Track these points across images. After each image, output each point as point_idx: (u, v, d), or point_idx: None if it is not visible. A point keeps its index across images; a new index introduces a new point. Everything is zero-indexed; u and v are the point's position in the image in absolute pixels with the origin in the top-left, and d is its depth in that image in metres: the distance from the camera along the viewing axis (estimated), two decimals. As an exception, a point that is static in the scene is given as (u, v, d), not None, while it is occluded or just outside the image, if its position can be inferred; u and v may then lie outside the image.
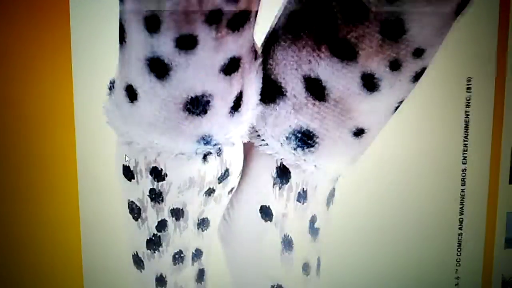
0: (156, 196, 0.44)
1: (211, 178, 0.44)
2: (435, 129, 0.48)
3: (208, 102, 0.40)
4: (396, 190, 0.48)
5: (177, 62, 0.38)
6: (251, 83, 0.42)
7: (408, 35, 0.39)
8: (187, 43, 0.37)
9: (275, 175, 0.45)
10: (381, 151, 0.47)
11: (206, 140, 0.42)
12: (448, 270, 0.50)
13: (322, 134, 0.43)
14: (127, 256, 0.47)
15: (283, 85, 0.42)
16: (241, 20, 0.38)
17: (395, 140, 0.47)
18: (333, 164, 0.45)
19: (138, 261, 0.46)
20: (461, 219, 0.49)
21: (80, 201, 0.47)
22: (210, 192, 0.45)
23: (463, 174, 0.49)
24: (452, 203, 0.49)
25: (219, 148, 0.43)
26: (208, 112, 0.41)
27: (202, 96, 0.40)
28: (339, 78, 0.41)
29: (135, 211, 0.45)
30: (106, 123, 0.44)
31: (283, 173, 0.45)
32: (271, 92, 0.43)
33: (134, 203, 0.45)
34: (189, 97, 0.40)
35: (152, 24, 0.37)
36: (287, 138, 0.44)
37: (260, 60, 0.42)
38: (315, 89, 0.42)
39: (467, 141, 0.48)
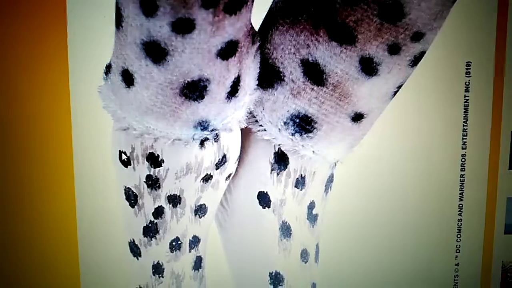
0: (152, 182, 0.43)
1: (209, 164, 0.43)
2: (434, 114, 0.47)
3: (205, 87, 0.40)
4: (395, 176, 0.48)
5: (174, 46, 0.37)
6: (248, 67, 0.41)
7: (407, 19, 0.38)
8: (183, 27, 0.37)
9: (273, 161, 0.45)
10: (381, 135, 0.47)
11: (203, 125, 0.41)
12: (448, 256, 0.50)
13: (321, 119, 0.43)
14: (123, 244, 0.46)
15: (281, 69, 0.42)
16: (238, 4, 0.37)
17: (394, 125, 0.47)
18: (331, 149, 0.44)
19: (134, 249, 0.46)
20: (460, 205, 0.49)
21: (76, 190, 0.46)
22: (207, 178, 0.44)
23: (463, 160, 0.48)
24: (451, 189, 0.49)
25: (216, 133, 0.43)
26: (205, 97, 0.40)
27: (199, 80, 0.39)
28: (337, 62, 0.41)
29: (131, 198, 0.44)
30: (103, 109, 0.43)
31: (281, 159, 0.45)
32: (269, 77, 0.43)
33: (130, 189, 0.44)
34: (186, 81, 0.39)
35: (149, 7, 0.37)
36: (285, 123, 0.43)
37: (257, 44, 0.42)
38: (314, 73, 0.41)
39: (466, 126, 0.47)
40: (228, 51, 0.39)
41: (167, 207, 0.45)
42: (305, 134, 0.43)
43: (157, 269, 0.46)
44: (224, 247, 0.48)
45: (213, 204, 0.46)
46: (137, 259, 0.46)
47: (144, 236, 0.45)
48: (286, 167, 0.45)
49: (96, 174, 0.47)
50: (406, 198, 0.49)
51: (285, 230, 0.46)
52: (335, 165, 0.47)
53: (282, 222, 0.46)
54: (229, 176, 0.46)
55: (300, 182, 0.45)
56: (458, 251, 0.50)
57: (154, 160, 0.43)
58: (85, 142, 0.47)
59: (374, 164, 0.48)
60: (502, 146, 0.48)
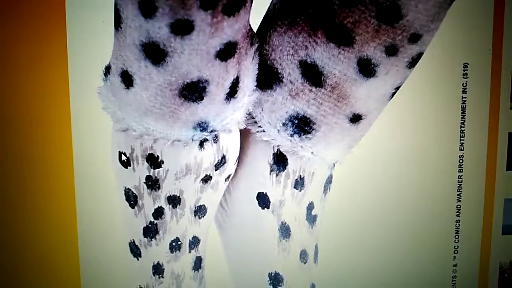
0: (152, 183, 0.44)
1: (208, 165, 0.44)
2: (432, 115, 0.47)
3: (204, 88, 0.40)
4: (393, 177, 0.48)
5: (173, 47, 0.38)
6: (247, 68, 0.42)
7: (404, 20, 0.39)
8: (182, 28, 0.37)
9: (272, 162, 0.45)
10: (378, 136, 0.47)
11: (202, 126, 0.42)
12: (445, 256, 0.50)
13: (319, 121, 0.43)
14: (123, 244, 0.46)
15: (279, 70, 0.42)
16: (236, 5, 0.38)
17: (391, 127, 0.47)
18: (330, 150, 0.45)
19: (135, 249, 0.46)
20: (458, 206, 0.49)
21: (76, 189, 0.46)
22: (207, 179, 0.44)
23: (461, 161, 0.49)
24: (449, 190, 0.49)
25: (215, 134, 0.43)
26: (204, 98, 0.40)
27: (198, 82, 0.39)
28: (335, 63, 0.41)
29: (131, 198, 0.45)
30: (102, 110, 0.43)
31: (280, 160, 0.45)
32: (268, 78, 0.43)
33: (130, 190, 0.45)
34: (185, 83, 0.39)
35: (148, 9, 0.37)
36: (283, 124, 0.43)
37: (256, 45, 0.42)
38: (312, 74, 0.42)
39: (464, 127, 0.48)
40: (227, 52, 0.39)
41: (167, 208, 0.45)
42: (303, 135, 0.43)
43: (157, 269, 0.46)
44: (224, 247, 0.48)
45: (212, 205, 0.47)
46: (137, 259, 0.46)
47: (144, 237, 0.46)
48: (285, 168, 0.45)
49: (96, 175, 0.47)
50: (404, 199, 0.49)
51: (284, 230, 0.46)
52: (334, 166, 0.47)
53: (281, 223, 0.46)
54: (228, 177, 0.46)
55: (299, 183, 0.45)
56: (456, 251, 0.50)
57: (153, 161, 0.43)
58: (85, 144, 0.47)
59: (372, 165, 0.48)
60: (499, 147, 0.49)
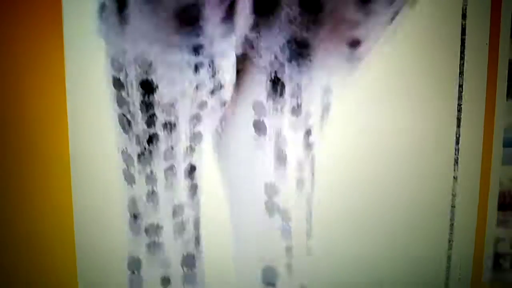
0: (147, 108, 0.43)
1: (203, 91, 0.43)
2: (428, 99, 0.47)
3: (199, 11, 0.39)
4: (389, 161, 0.47)
5: None
6: (244, -9, 0.40)
7: None
8: None
9: (269, 88, 0.44)
10: (373, 120, 0.46)
11: (197, 51, 0.41)
12: (440, 249, 0.50)
13: (317, 45, 0.42)
14: (117, 171, 0.46)
15: None
16: None
17: (386, 109, 0.46)
18: (327, 76, 0.44)
19: (129, 176, 0.46)
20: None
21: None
22: (202, 105, 0.44)
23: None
24: (445, 182, 0.48)
25: (211, 59, 0.42)
26: (200, 21, 0.39)
27: (194, 4, 0.38)
28: None
29: (125, 123, 0.44)
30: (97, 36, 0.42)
31: (277, 86, 0.44)
32: (265, 2, 0.42)
33: (124, 116, 0.44)
34: (181, 5, 0.38)
35: None
36: (281, 49, 0.42)
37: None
38: (310, -3, 0.40)
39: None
40: None
41: (162, 134, 0.44)
42: (301, 60, 0.43)
43: (152, 197, 0.46)
44: (220, 175, 0.48)
45: (208, 131, 0.46)
46: (132, 186, 0.46)
47: (139, 164, 0.45)
48: (282, 95, 0.44)
49: (94, 175, 0.46)
50: (399, 194, 0.48)
51: (281, 158, 0.46)
52: (332, 92, 0.46)
53: (278, 150, 0.46)
54: (224, 103, 0.45)
55: (296, 110, 0.45)
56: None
57: (148, 86, 0.42)
58: (82, 142, 0.45)
59: (367, 156, 0.47)
60: (495, 142, 0.48)
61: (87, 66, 0.43)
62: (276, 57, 0.43)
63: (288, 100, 0.44)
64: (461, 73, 0.46)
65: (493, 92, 0.47)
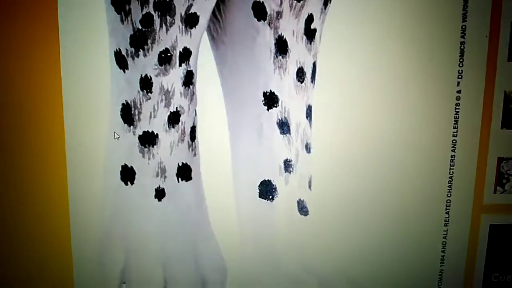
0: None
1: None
2: (426, 105, 0.44)
3: None
4: (385, 155, 0.45)
5: None
6: None
7: None
8: None
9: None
10: (370, 113, 0.44)
11: None
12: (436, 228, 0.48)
13: None
14: (108, 54, 0.43)
15: None
16: None
17: (386, 100, 0.44)
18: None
19: (121, 60, 0.43)
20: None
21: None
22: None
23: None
24: (440, 179, 0.46)
25: None
26: None
27: None
28: None
29: (117, 2, 0.41)
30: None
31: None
32: None
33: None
34: None
35: None
36: None
37: None
38: None
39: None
40: None
41: (156, 15, 0.42)
42: None
43: (146, 83, 0.43)
44: (217, 63, 0.45)
45: (205, 13, 0.43)
46: (124, 71, 0.43)
47: (131, 46, 0.42)
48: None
49: (90, 175, 0.44)
50: (393, 181, 0.46)
51: (281, 45, 0.44)
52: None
53: (278, 36, 0.43)
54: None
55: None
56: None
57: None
58: (78, 138, 0.43)
59: (362, 144, 0.45)
60: (491, 141, 0.46)
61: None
62: None
63: None
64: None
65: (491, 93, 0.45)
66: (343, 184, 0.47)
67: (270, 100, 0.45)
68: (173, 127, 0.44)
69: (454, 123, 0.46)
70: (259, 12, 0.43)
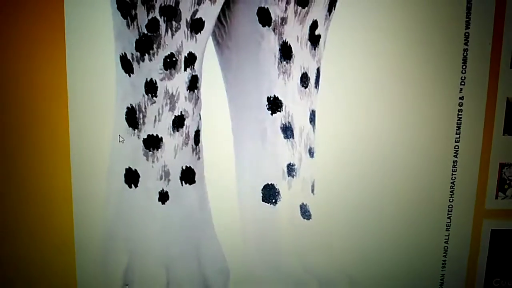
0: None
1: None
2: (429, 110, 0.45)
3: None
4: (388, 160, 0.45)
5: None
6: None
7: None
8: None
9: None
10: (373, 118, 0.44)
11: None
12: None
13: None
14: (114, 58, 0.44)
15: None
16: None
17: (389, 106, 0.44)
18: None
19: (127, 64, 0.43)
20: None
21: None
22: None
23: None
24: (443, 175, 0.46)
25: None
26: None
27: None
28: None
29: (123, 7, 0.42)
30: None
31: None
32: None
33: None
34: None
35: None
36: None
37: None
38: None
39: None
40: None
41: (161, 20, 0.42)
42: None
43: (150, 87, 0.44)
44: (221, 68, 0.46)
45: (210, 18, 0.44)
46: (129, 76, 0.44)
47: (137, 51, 0.43)
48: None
49: (94, 177, 0.45)
50: (397, 188, 0.47)
51: (286, 51, 0.44)
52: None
53: (283, 42, 0.44)
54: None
55: (302, 1, 0.43)
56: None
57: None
58: (83, 141, 0.44)
59: (364, 143, 0.45)
60: (494, 142, 0.46)
61: None
62: None
63: None
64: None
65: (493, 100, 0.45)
66: (346, 188, 0.47)
67: (274, 105, 0.45)
68: (178, 131, 0.45)
69: (457, 129, 0.47)
70: (264, 18, 0.43)
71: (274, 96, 0.45)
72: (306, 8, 0.43)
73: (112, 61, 0.43)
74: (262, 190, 0.47)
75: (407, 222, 0.48)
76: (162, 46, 0.43)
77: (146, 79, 0.43)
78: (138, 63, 0.43)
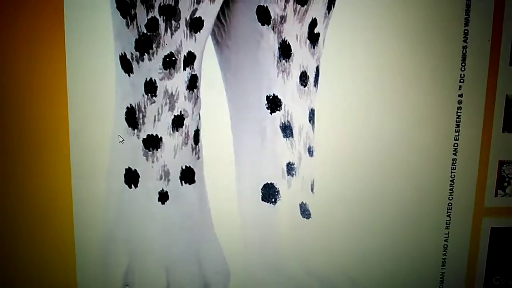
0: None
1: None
2: (428, 109, 0.45)
3: None
4: (387, 158, 0.46)
5: None
6: None
7: None
8: None
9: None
10: (372, 116, 0.44)
11: None
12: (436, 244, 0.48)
13: None
14: (113, 58, 0.44)
15: None
16: None
17: (388, 104, 0.44)
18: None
19: (126, 64, 0.43)
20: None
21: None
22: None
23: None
24: (442, 173, 0.47)
25: None
26: None
27: None
28: None
29: (123, 6, 0.42)
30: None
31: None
32: None
33: (122, -2, 0.42)
34: None
35: None
36: None
37: None
38: None
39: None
40: None
41: (161, 19, 0.42)
42: None
43: (150, 87, 0.44)
44: (221, 67, 0.46)
45: (209, 17, 0.44)
46: (129, 75, 0.44)
47: (136, 50, 0.43)
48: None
49: (94, 177, 0.45)
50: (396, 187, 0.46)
51: (285, 49, 0.44)
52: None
53: (282, 40, 0.44)
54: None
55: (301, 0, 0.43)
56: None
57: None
58: (83, 141, 0.44)
59: (365, 152, 0.46)
60: (492, 143, 0.46)
61: None
62: None
63: None
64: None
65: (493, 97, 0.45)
66: (346, 187, 0.47)
67: (273, 103, 0.45)
68: (177, 130, 0.45)
69: (456, 127, 0.47)
70: (263, 16, 0.43)
71: (274, 95, 0.45)
72: (305, 6, 0.43)
73: (111, 61, 0.43)
74: (261, 189, 0.47)
75: (407, 220, 0.48)
76: (162, 46, 0.43)
77: (146, 78, 0.43)
78: (138, 62, 0.43)
